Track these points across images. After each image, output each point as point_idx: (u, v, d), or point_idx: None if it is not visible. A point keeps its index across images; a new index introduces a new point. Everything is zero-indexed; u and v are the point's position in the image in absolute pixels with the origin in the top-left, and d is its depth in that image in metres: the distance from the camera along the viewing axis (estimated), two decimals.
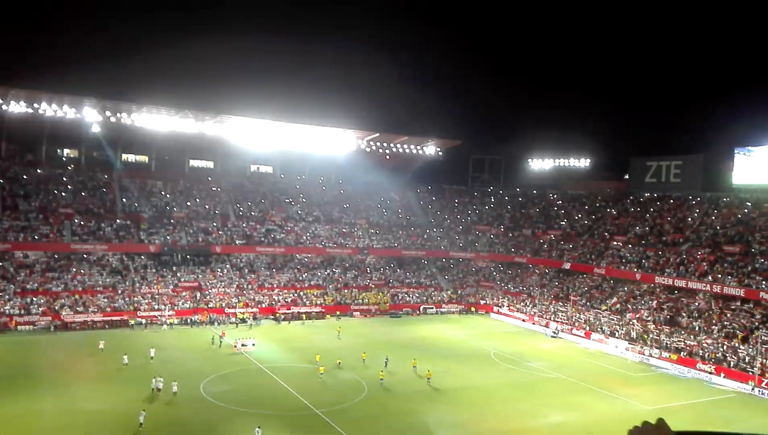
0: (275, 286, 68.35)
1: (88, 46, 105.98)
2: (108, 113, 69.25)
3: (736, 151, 70.24)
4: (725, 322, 55.35)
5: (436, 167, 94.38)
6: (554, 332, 63.43)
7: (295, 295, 67.75)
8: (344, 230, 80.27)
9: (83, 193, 70.11)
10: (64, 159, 76.87)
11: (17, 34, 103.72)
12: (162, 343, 50.33)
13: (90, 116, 68.60)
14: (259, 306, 64.31)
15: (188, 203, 74.97)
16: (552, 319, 66.17)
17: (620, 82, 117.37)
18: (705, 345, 52.80)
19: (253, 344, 50.63)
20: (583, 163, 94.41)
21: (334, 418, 34.91)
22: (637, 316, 60.53)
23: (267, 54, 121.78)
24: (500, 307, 72.97)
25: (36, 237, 61.94)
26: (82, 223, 65.90)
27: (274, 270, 70.87)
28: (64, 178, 71.06)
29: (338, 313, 66.88)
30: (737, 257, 61.55)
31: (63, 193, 68.83)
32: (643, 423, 2.09)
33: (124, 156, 79.99)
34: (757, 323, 53.64)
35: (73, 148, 77.35)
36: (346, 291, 71.00)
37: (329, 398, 38.66)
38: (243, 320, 61.08)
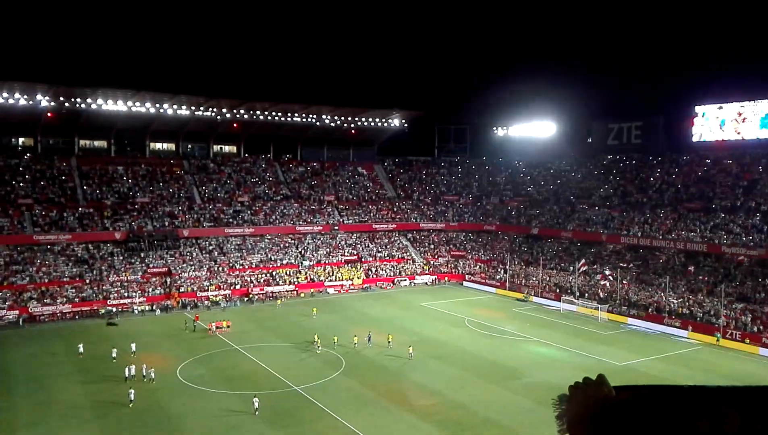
0: (246, 267, 67.82)
1: (39, 30, 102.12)
2: (62, 98, 67.13)
3: (695, 110, 71.64)
4: (690, 278, 57.04)
5: (402, 139, 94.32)
6: (525, 296, 64.55)
7: (268, 275, 67.38)
8: (313, 208, 79.81)
9: (42, 183, 68.10)
10: (19, 148, 74.39)
11: None
12: (135, 331, 49.68)
13: (43, 102, 66.38)
14: (232, 288, 63.83)
15: (151, 188, 73.48)
16: (523, 284, 67.27)
17: (580, 45, 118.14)
18: (671, 301, 54.40)
19: (228, 326, 50.35)
20: (548, 128, 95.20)
21: (314, 394, 35.11)
22: (605, 276, 61.89)
23: (226, 30, 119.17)
24: (472, 275, 73.84)
25: None
26: (43, 213, 64.13)
27: (244, 251, 70.24)
28: (21, 168, 68.84)
29: (311, 290, 66.82)
30: (699, 214, 63.28)
31: (21, 183, 66.74)
32: (584, 379, 2.09)
33: (82, 141, 77.79)
34: (720, 277, 55.43)
35: (28, 137, 74.87)
36: (319, 268, 70.88)
37: (308, 374, 38.80)
38: (216, 303, 60.62)
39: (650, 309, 54.59)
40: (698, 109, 71.30)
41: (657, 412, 1.90)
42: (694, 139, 71.84)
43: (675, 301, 54.08)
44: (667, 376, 39.05)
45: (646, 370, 40.74)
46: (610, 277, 60.01)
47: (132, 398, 33.23)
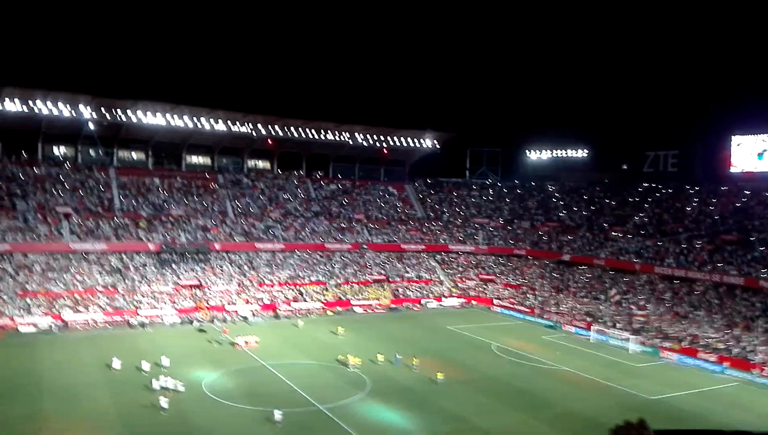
0: (275, 282, 68.23)
1: (83, 43, 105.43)
2: (103, 110, 69.06)
3: (733, 140, 70.31)
4: (726, 312, 55.46)
5: (433, 160, 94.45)
6: (555, 324, 63.50)
7: (296, 291, 67.64)
8: (343, 225, 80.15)
9: (81, 192, 69.83)
10: (60, 157, 76.51)
11: (10, 33, 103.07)
12: (164, 343, 50.24)
13: (85, 114, 68.36)
14: (260, 303, 64.20)
15: (186, 200, 74.74)
16: (552, 311, 66.21)
17: (618, 72, 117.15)
18: (707, 334, 52.89)
19: (256, 341, 50.55)
20: (581, 154, 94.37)
21: (337, 413, 34.91)
22: (638, 306, 60.55)
23: (262, 47, 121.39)
24: (501, 299, 72.99)
25: (35, 237, 61.65)
26: (80, 222, 65.63)
27: (273, 266, 70.73)
28: (61, 177, 70.73)
29: (338, 308, 66.80)
30: (736, 246, 61.67)
31: (60, 193, 68.52)
32: (625, 422, 2.07)
33: (121, 153, 79.71)
34: (757, 312, 53.78)
35: (70, 147, 77.03)
36: (346, 286, 70.91)
37: (332, 394, 38.63)
38: (244, 318, 60.98)
39: (684, 342, 53.15)
40: (735, 139, 70.00)
41: None
42: (732, 169, 70.40)
43: (711, 335, 52.57)
44: (701, 412, 37.82)
45: (680, 404, 39.51)
46: (617, 297, 58.81)
47: (165, 406, 33.96)
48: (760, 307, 54.18)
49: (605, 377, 45.18)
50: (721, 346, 50.95)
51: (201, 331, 54.63)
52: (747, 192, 69.08)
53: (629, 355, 52.95)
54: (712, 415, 37.33)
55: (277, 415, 32.81)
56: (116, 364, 41.70)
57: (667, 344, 53.62)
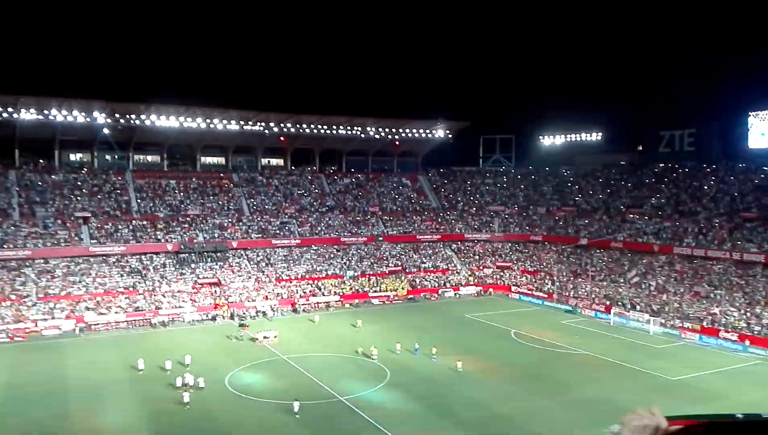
0: (293, 277, 68.71)
1: (95, 49, 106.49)
2: (117, 115, 69.85)
3: (750, 116, 69.25)
4: (747, 290, 54.85)
5: (446, 150, 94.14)
6: (574, 308, 63.24)
7: (313, 285, 68.06)
8: (358, 219, 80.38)
9: (98, 196, 70.79)
10: (77, 163, 77.54)
11: (24, 43, 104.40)
12: (185, 341, 50.94)
13: (99, 119, 69.21)
14: (279, 298, 64.73)
15: (202, 200, 75.44)
16: (571, 295, 65.95)
17: (629, 53, 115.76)
18: (728, 313, 52.41)
19: (275, 336, 51.02)
20: (595, 136, 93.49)
21: (359, 404, 35.20)
22: (657, 288, 60.10)
23: (271, 44, 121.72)
24: (518, 286, 72.82)
25: (54, 242, 62.68)
26: (99, 225, 66.58)
27: (290, 262, 71.19)
28: (79, 182, 71.73)
29: (357, 301, 67.09)
30: (756, 223, 60.89)
31: (78, 197, 69.51)
32: (635, 410, 2.11)
33: (136, 156, 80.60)
34: None
35: (86, 152, 78.02)
36: (363, 279, 71.18)
37: (353, 385, 38.93)
38: (263, 313, 61.55)
39: (705, 322, 52.69)
40: (752, 115, 68.91)
41: None
42: (751, 146, 69.37)
43: (732, 314, 52.07)
44: (724, 392, 37.54)
45: (702, 385, 39.27)
46: (636, 279, 58.30)
47: (187, 401, 34.69)
48: None
49: (626, 360, 44.98)
50: (742, 324, 50.45)
51: (242, 325, 54.91)
52: (765, 168, 68.07)
53: (650, 337, 52.64)
54: (735, 394, 37.06)
55: (296, 406, 33.34)
56: (141, 364, 42.16)
57: (687, 325, 53.20)
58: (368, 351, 45.38)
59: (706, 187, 71.42)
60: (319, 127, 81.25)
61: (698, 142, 76.67)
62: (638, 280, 63.70)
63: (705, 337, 51.19)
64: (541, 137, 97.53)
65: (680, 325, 53.65)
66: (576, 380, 40.35)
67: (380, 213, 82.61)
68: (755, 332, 48.94)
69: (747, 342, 48.35)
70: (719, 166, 72.99)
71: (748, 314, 51.40)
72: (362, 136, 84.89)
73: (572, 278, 69.27)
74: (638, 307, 58.62)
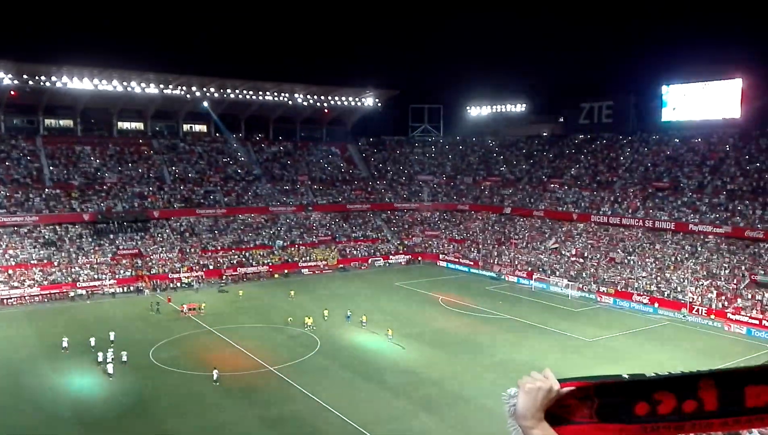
0: (219, 248, 67.23)
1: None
2: (25, 76, 65.14)
3: (664, 89, 72.50)
4: (657, 256, 58.23)
5: (375, 119, 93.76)
6: (498, 275, 65.29)
7: (241, 256, 66.88)
8: (287, 188, 79.27)
9: (7, 163, 66.33)
10: None
11: None
12: (105, 314, 49.11)
13: (5, 80, 64.39)
14: (204, 269, 63.26)
15: (120, 168, 72.08)
16: (495, 262, 67.97)
17: (552, 22, 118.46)
18: (640, 277, 55.55)
19: (201, 308, 49.96)
20: (520, 108, 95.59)
21: (288, 374, 35.19)
22: (575, 254, 62.87)
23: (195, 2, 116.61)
24: (446, 254, 74.32)
25: None
26: (8, 194, 62.54)
27: (216, 232, 69.53)
28: None
29: (286, 271, 66.54)
30: (667, 192, 64.47)
31: None
32: (531, 374, 2.27)
33: (47, 121, 75.83)
34: (686, 254, 56.70)
35: None
36: (292, 249, 70.58)
37: (283, 355, 38.82)
38: (189, 285, 60.06)
39: (620, 286, 55.68)
40: (666, 88, 72.18)
41: (601, 400, 2.12)
42: (664, 118, 72.84)
43: (643, 278, 55.26)
44: (635, 351, 39.96)
45: (616, 345, 41.66)
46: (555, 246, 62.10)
47: (111, 372, 34.43)
48: (689, 250, 57.13)
49: (546, 323, 47.03)
50: (653, 287, 53.65)
51: (223, 292, 55.63)
52: (677, 140, 71.85)
53: (568, 301, 55.20)
54: (645, 353, 39.51)
55: (215, 374, 33.67)
56: (65, 343, 39.35)
57: (603, 289, 56.07)
58: (299, 321, 45.24)
59: (622, 158, 74.74)
60: (245, 92, 78.84)
61: (615, 113, 79.62)
62: (558, 247, 66.34)
63: (619, 300, 54.16)
64: (468, 108, 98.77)
65: (596, 289, 56.48)
66: (499, 343, 41.86)
67: (309, 182, 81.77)
68: (665, 295, 52.17)
69: (656, 305, 51.51)
70: (634, 137, 76.38)
71: (658, 278, 54.68)
72: (290, 102, 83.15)
73: (497, 246, 71.34)
74: (557, 273, 61.20)
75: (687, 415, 2.11)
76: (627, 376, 2.17)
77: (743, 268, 51.81)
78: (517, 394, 2.15)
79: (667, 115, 72.20)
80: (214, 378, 33.55)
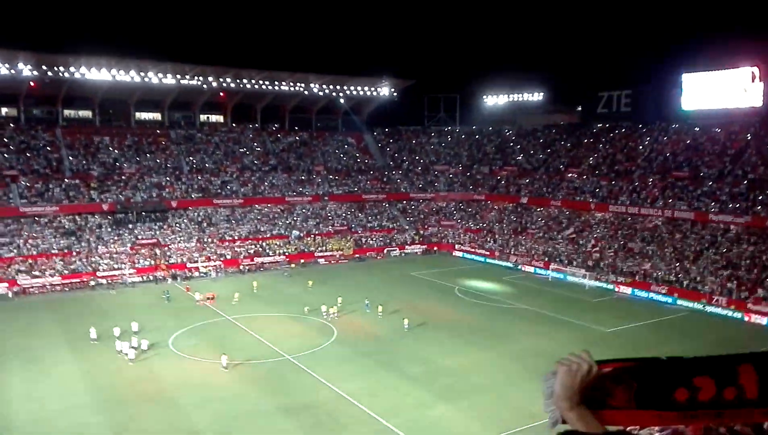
0: (236, 238, 67.66)
1: None
2: (44, 67, 65.78)
3: (683, 78, 71.37)
4: (677, 246, 57.63)
5: (391, 108, 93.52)
6: (514, 265, 65.05)
7: (258, 246, 67.26)
8: (302, 178, 79.45)
9: (27, 154, 67.14)
10: (2, 118, 73.04)
11: None
12: (125, 303, 49.72)
13: (25, 71, 65.06)
14: (222, 259, 63.73)
15: (138, 158, 72.66)
16: (512, 252, 67.71)
17: (571, 11, 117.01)
18: (659, 268, 55.04)
19: (212, 297, 50.31)
20: (537, 97, 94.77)
21: (306, 362, 35.42)
22: (593, 244, 62.42)
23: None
24: (462, 244, 74.15)
25: None
26: (29, 184, 63.36)
27: (233, 222, 69.98)
28: (5, 139, 67.69)
29: (302, 261, 66.81)
30: (686, 182, 63.66)
31: (5, 154, 65.71)
32: (569, 354, 2.24)
33: (66, 111, 76.57)
34: (706, 244, 56.06)
35: (11, 107, 73.52)
36: (308, 239, 70.83)
37: (300, 343, 39.07)
38: (206, 274, 60.57)
39: (637, 276, 55.23)
40: (686, 77, 71.05)
41: (639, 384, 2.09)
42: (684, 107, 71.76)
43: (662, 269, 54.73)
44: (653, 342, 39.68)
45: (634, 335, 41.38)
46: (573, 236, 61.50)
47: (132, 357, 35.48)
48: (708, 240, 56.47)
49: (563, 313, 46.81)
50: (672, 278, 53.14)
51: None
52: (696, 129, 70.81)
53: (585, 292, 54.86)
54: (663, 344, 39.20)
55: (224, 360, 34.12)
56: (93, 333, 39.24)
57: (621, 279, 55.64)
58: (328, 309, 45.24)
59: (640, 147, 73.86)
60: (261, 82, 78.96)
61: (634, 102, 78.56)
62: (575, 237, 65.91)
63: (637, 290, 53.74)
64: (484, 97, 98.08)
65: (614, 279, 56.06)
66: (516, 333, 41.77)
67: (325, 172, 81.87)
68: (684, 286, 51.66)
69: (676, 295, 51.04)
70: (653, 126, 75.41)
71: (677, 269, 54.13)
72: (305, 92, 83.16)
73: (513, 236, 71.02)
74: (575, 263, 60.82)
75: (727, 403, 2.07)
76: (665, 358, 2.14)
77: (764, 257, 51.11)
78: (555, 375, 2.13)
79: (687, 103, 71.07)
80: (224, 364, 33.97)
